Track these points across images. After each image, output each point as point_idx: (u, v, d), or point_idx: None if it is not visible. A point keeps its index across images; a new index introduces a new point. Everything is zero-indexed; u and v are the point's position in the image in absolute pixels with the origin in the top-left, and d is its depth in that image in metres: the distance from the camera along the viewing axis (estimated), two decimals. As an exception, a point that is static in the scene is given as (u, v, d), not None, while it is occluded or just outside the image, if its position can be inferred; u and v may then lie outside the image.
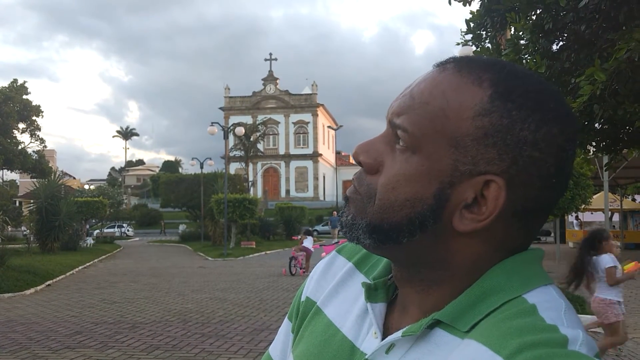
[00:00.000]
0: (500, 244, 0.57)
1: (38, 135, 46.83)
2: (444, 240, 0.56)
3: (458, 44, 5.88)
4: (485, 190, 0.54)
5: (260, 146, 49.12)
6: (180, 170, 73.72)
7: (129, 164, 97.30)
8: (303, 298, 0.74)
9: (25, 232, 25.81)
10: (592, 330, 6.33)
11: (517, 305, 0.53)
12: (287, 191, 60.97)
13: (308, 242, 14.12)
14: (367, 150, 0.60)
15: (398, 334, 0.57)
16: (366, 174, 0.60)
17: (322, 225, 37.17)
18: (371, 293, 0.64)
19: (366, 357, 0.60)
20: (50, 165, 45.38)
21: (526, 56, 4.97)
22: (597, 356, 0.49)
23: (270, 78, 62.64)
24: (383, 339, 0.60)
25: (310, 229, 15.83)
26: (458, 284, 0.57)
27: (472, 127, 0.54)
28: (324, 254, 13.75)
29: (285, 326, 0.77)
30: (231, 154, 39.35)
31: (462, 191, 0.55)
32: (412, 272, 0.60)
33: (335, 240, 21.52)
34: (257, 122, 48.67)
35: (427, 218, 0.55)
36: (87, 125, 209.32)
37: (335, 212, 29.24)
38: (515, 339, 0.49)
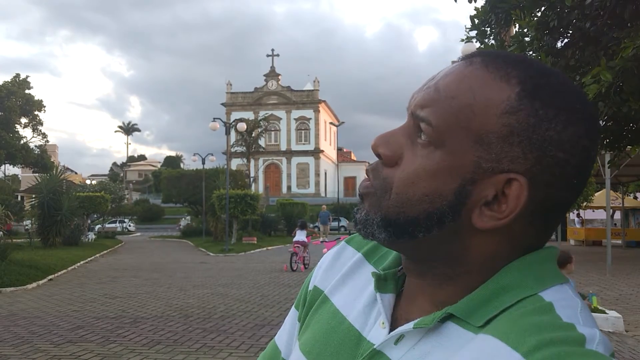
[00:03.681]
0: (517, 241, 0.56)
1: (40, 130, 46.97)
2: (461, 236, 0.56)
3: (462, 40, 5.86)
4: (507, 189, 0.54)
5: (261, 142, 49.04)
6: (181, 165, 73.96)
7: (131, 159, 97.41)
8: (311, 287, 0.74)
9: (27, 227, 25.87)
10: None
11: (533, 303, 0.53)
12: (289, 187, 61.02)
13: (300, 234, 14.00)
14: (387, 142, 0.59)
15: (409, 326, 0.57)
16: (383, 167, 0.59)
17: (331, 222, 37.05)
18: (381, 283, 0.63)
19: (374, 346, 0.59)
20: (52, 160, 45.51)
21: (531, 53, 4.96)
22: (612, 356, 0.49)
23: (272, 74, 62.63)
24: (391, 329, 0.59)
25: (305, 221, 15.56)
26: (472, 280, 0.57)
27: (498, 124, 0.53)
28: (325, 250, 13.75)
29: (292, 315, 0.77)
30: (233, 150, 39.29)
31: (483, 188, 0.54)
32: (426, 266, 0.59)
33: (330, 237, 21.41)
34: (259, 118, 48.60)
35: (445, 214, 0.55)
36: (89, 120, 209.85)
37: (324, 207, 28.52)
38: (534, 336, 0.48)
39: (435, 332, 0.56)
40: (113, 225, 37.81)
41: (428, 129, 0.55)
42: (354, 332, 0.63)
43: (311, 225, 27.64)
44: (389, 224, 0.57)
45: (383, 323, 0.61)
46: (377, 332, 0.61)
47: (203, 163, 30.36)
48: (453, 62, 0.60)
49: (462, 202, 0.54)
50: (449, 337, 0.55)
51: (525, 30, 4.83)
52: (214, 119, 23.45)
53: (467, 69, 0.56)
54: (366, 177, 0.61)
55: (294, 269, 13.66)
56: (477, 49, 6.17)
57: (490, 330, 0.52)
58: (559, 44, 5.10)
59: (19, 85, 44.29)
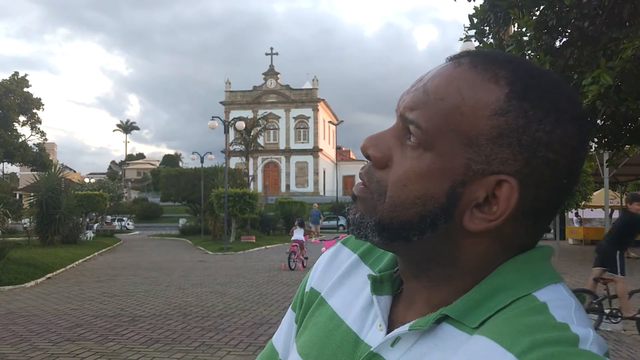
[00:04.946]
0: (509, 242, 0.56)
1: (38, 128, 46.98)
2: (453, 238, 0.56)
3: (461, 39, 5.85)
4: (497, 190, 0.54)
5: (260, 141, 49.05)
6: (180, 164, 73.80)
7: (130, 157, 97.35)
8: (307, 288, 0.74)
9: (25, 225, 25.84)
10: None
11: (527, 303, 0.53)
12: (287, 186, 61.02)
13: (298, 233, 13.99)
14: (377, 144, 0.59)
15: (405, 328, 0.57)
16: (375, 169, 0.59)
17: (322, 221, 37.04)
18: (377, 285, 0.63)
19: (371, 349, 0.59)
20: (50, 158, 45.43)
21: (529, 52, 4.96)
22: (606, 355, 0.49)
23: (271, 73, 62.61)
24: (388, 331, 0.59)
25: (303, 219, 15.52)
26: (466, 281, 0.57)
27: (488, 126, 0.53)
28: (324, 248, 13.75)
29: (289, 316, 0.76)
30: (231, 149, 39.30)
31: (474, 190, 0.54)
32: (420, 268, 0.59)
33: (328, 236, 21.36)
34: (258, 117, 48.57)
35: (438, 216, 0.55)
36: (88, 119, 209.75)
37: (316, 205, 28.16)
38: (527, 337, 0.48)
39: (431, 334, 0.56)
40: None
41: (417, 132, 0.55)
42: (352, 335, 0.63)
43: (308, 226, 27.51)
44: (383, 229, 0.57)
45: (380, 325, 0.61)
46: (374, 335, 0.61)
47: (202, 162, 30.34)
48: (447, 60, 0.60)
49: (453, 204, 0.54)
50: (444, 338, 0.55)
51: (524, 29, 4.83)
52: (213, 117, 23.43)
53: (455, 70, 0.56)
54: (360, 180, 0.61)
55: (292, 267, 13.67)
56: (476, 48, 6.17)
57: (484, 331, 0.52)
58: (557, 43, 5.11)
59: (18, 83, 44.25)
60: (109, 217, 33.40)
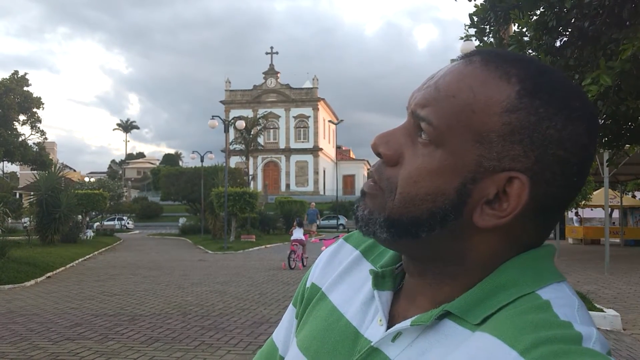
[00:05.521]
0: (517, 240, 0.56)
1: (38, 127, 46.97)
2: (462, 235, 0.56)
3: (461, 38, 5.86)
4: (508, 187, 0.54)
5: (260, 140, 49.13)
6: (180, 163, 73.86)
7: (130, 156, 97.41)
8: (308, 284, 0.74)
9: (25, 224, 25.83)
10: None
11: (531, 301, 0.53)
12: (287, 185, 61.04)
13: (298, 232, 14.01)
14: (387, 142, 0.59)
15: (406, 323, 0.57)
16: (385, 167, 0.59)
17: (321, 220, 37.04)
18: (378, 281, 0.63)
19: (371, 344, 0.59)
20: (50, 157, 45.46)
21: (530, 52, 4.96)
22: (609, 354, 0.49)
23: (271, 72, 62.63)
24: (389, 327, 0.59)
25: (301, 219, 15.47)
26: (471, 278, 0.57)
27: (499, 123, 0.53)
28: (323, 247, 13.74)
29: (290, 312, 0.77)
30: (231, 148, 39.36)
31: (485, 187, 0.54)
32: (426, 266, 0.59)
33: (328, 235, 21.27)
34: (258, 116, 48.59)
35: (448, 213, 0.55)
36: (88, 118, 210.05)
37: (313, 204, 27.91)
38: (530, 334, 0.48)
39: (432, 330, 0.56)
40: (111, 222, 37.77)
41: (429, 129, 0.55)
42: (352, 329, 0.63)
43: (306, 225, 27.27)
44: (392, 225, 0.57)
45: (380, 320, 0.61)
46: (374, 330, 0.61)
47: (202, 161, 30.36)
48: (452, 60, 0.60)
49: (464, 200, 0.54)
50: (446, 334, 0.55)
51: (524, 29, 4.83)
52: (213, 116, 23.42)
53: (466, 68, 0.56)
54: (370, 177, 0.61)
55: (292, 266, 13.67)
56: (476, 47, 6.17)
57: (487, 328, 0.52)
58: (557, 43, 5.11)
59: (18, 82, 44.24)
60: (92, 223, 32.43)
